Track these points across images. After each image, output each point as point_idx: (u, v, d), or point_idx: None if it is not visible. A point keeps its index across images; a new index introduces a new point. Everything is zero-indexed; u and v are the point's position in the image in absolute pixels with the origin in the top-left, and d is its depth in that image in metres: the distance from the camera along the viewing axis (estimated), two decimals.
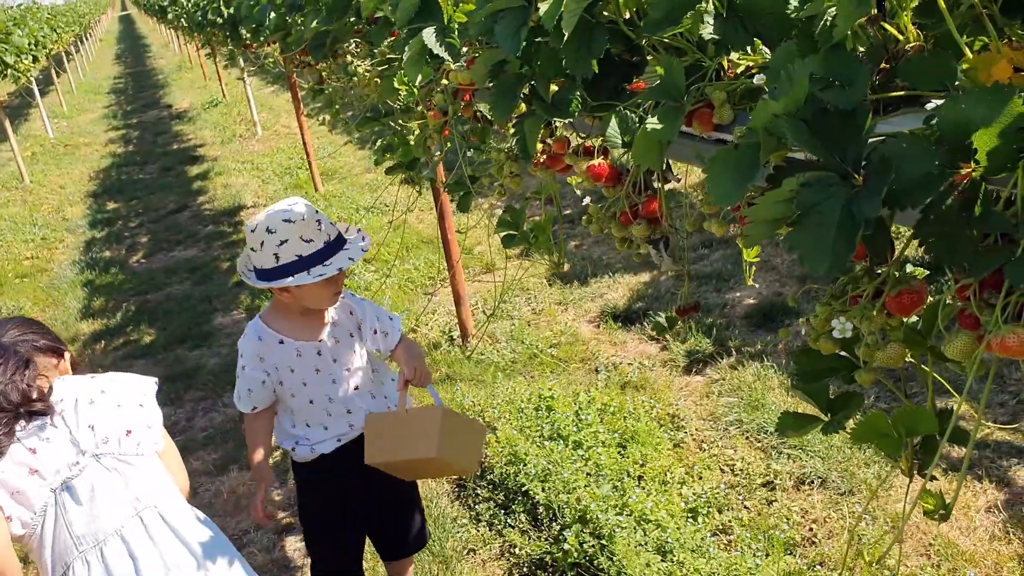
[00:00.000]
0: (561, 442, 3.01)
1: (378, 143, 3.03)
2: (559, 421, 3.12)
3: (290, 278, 1.91)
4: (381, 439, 1.95)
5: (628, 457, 2.91)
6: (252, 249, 1.99)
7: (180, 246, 6.57)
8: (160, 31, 30.16)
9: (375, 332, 2.13)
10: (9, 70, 8.54)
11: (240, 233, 6.61)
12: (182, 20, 11.12)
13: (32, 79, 11.18)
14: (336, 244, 1.98)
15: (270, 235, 1.94)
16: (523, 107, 1.72)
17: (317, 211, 1.99)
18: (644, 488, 2.76)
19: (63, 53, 18.66)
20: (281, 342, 2.06)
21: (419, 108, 2.57)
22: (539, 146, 1.76)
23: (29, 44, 10.13)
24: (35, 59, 10.68)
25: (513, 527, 2.73)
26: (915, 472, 1.15)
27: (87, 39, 28.12)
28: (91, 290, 5.81)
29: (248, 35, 5.52)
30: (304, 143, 7.19)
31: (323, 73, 4.30)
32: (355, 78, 2.88)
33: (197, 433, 3.71)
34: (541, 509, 2.73)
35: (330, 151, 8.65)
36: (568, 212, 5.59)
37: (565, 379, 3.62)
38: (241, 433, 3.62)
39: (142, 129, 12.46)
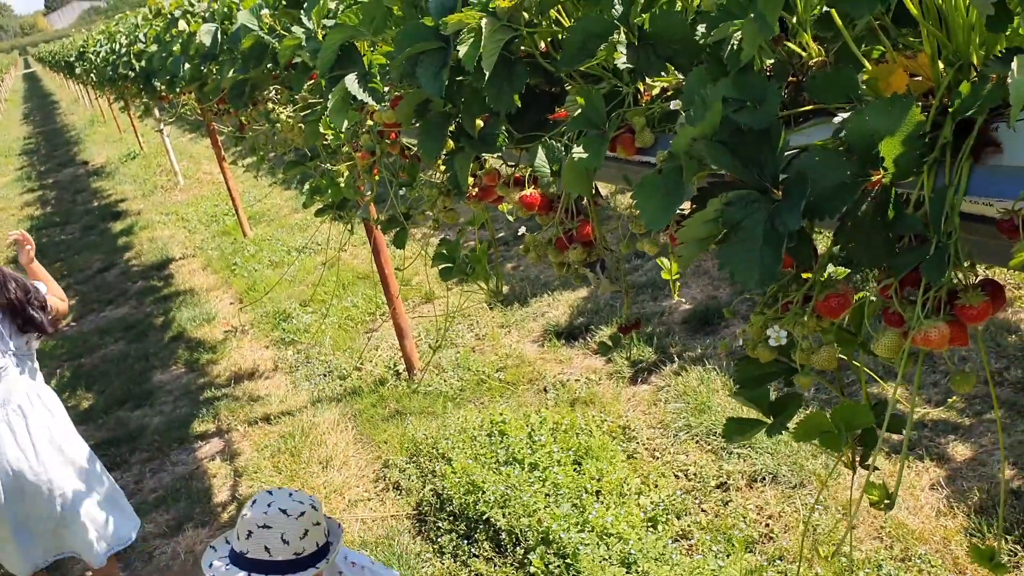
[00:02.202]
0: (517, 466, 3.03)
1: (306, 186, 3.03)
2: (513, 445, 3.14)
3: None
4: None
5: (584, 473, 2.94)
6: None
7: (111, 305, 6.43)
8: (68, 87, 29.51)
9: None
10: None
11: (171, 286, 6.50)
12: (91, 75, 10.92)
13: None
14: (259, 567, 1.72)
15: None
16: (451, 144, 1.75)
17: (267, 528, 1.73)
18: (603, 502, 2.79)
19: None
20: None
21: (346, 150, 2.58)
22: (470, 180, 1.79)
23: None
24: None
25: (477, 556, 2.74)
26: (858, 464, 1.21)
27: None
28: None
29: (162, 87, 5.46)
30: (229, 189, 7.11)
31: (243, 119, 4.28)
32: (277, 124, 2.88)
33: (147, 495, 3.63)
34: (504, 535, 2.74)
35: (256, 195, 8.57)
36: (503, 235, 5.63)
37: (515, 402, 3.65)
38: (193, 490, 3.57)
39: (59, 188, 12.17)
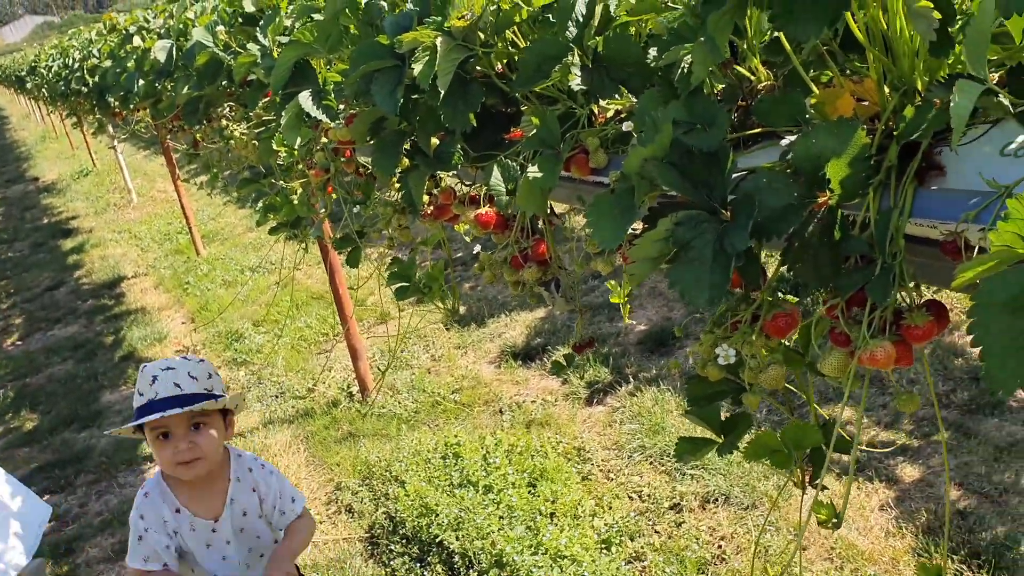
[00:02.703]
0: (471, 488, 3.01)
1: (260, 204, 3.01)
2: (467, 467, 3.12)
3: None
4: None
5: (539, 495, 2.93)
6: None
7: (59, 324, 6.29)
8: (19, 102, 28.98)
9: (275, 509, 1.98)
10: None
11: (122, 304, 6.39)
12: (43, 90, 10.74)
13: None
14: (174, 401, 1.80)
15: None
16: (406, 161, 1.75)
17: (170, 370, 1.84)
18: (557, 524, 2.78)
19: None
20: (177, 510, 1.90)
21: (300, 167, 2.57)
22: (425, 198, 1.79)
23: None
24: None
25: None
26: (808, 484, 1.22)
27: None
28: None
29: (116, 103, 5.39)
30: (182, 207, 7.03)
31: (198, 136, 4.24)
32: (231, 141, 2.85)
33: (92, 519, 3.54)
34: (457, 558, 2.72)
35: (210, 213, 8.47)
36: (460, 255, 5.63)
37: (471, 424, 3.63)
38: None
39: (7, 205, 11.93)
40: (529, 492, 2.97)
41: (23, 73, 14.32)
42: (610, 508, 2.87)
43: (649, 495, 2.91)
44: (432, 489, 3.05)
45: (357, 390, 4.07)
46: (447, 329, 4.66)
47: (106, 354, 5.42)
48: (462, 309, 4.87)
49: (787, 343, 1.13)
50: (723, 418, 1.24)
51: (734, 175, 1.00)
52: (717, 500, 2.82)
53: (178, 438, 1.81)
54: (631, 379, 3.65)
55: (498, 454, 3.19)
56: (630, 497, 2.93)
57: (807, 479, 1.22)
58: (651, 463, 3.09)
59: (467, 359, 4.29)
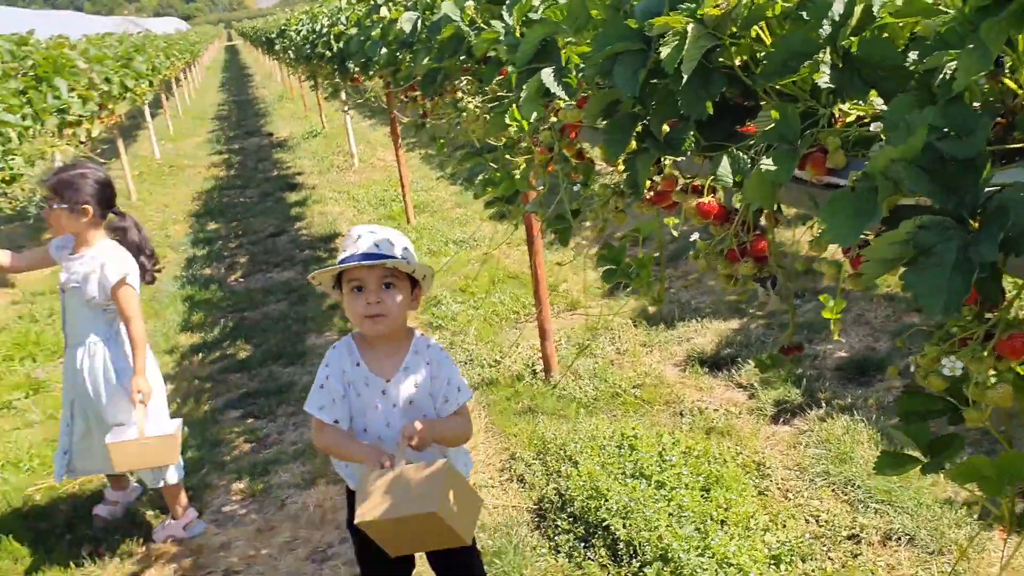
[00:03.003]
0: (644, 481, 3.03)
1: (479, 178, 3.14)
2: (642, 460, 3.13)
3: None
4: (374, 496, 1.82)
5: (711, 501, 2.91)
6: None
7: (277, 268, 6.80)
8: (264, 62, 31.39)
9: (441, 392, 2.11)
10: (128, 93, 9.02)
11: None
12: (289, 52, 11.59)
13: (145, 103, 11.78)
14: (372, 257, 2.00)
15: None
16: (633, 144, 1.79)
17: (373, 232, 2.08)
18: (727, 532, 2.75)
19: (173, 79, 19.59)
20: (357, 364, 2.08)
21: (523, 145, 2.66)
22: (647, 183, 1.82)
23: (147, 70, 10.69)
24: (150, 84, 11.25)
25: (592, 560, 2.75)
26: (1015, 524, 1.16)
27: (195, 67, 29.43)
28: (191, 305, 6.06)
29: (356, 69, 5.75)
30: (400, 176, 7.40)
31: (425, 109, 4.45)
32: (463, 114, 2.99)
33: (287, 447, 3.83)
34: (621, 545, 2.74)
35: (424, 186, 8.87)
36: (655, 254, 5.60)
37: (649, 420, 3.64)
38: None
39: (243, 155, 12.97)
40: (702, 496, 2.95)
41: (273, 35, 15.49)
42: (784, 526, 2.80)
43: (827, 521, 2.81)
44: (604, 475, 3.09)
45: (541, 369, 4.17)
46: (635, 325, 4.68)
47: (315, 301, 5.81)
48: (651, 309, 4.86)
49: (1018, 369, 1.08)
50: (932, 438, 1.20)
51: (986, 188, 0.97)
52: (900, 539, 2.69)
53: (369, 292, 2.02)
54: (823, 404, 3.53)
55: (674, 453, 3.18)
56: (806, 520, 2.85)
57: (1014, 519, 1.16)
58: (833, 490, 2.98)
59: (652, 357, 4.29)
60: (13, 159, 3.54)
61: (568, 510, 3.00)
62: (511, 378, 4.19)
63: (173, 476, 3.17)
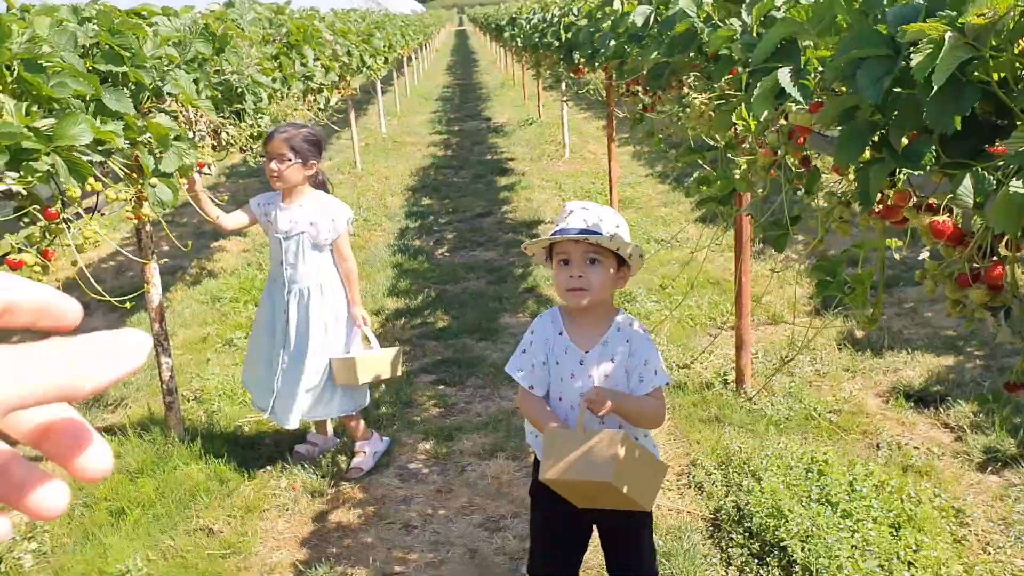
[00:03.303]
0: (828, 507, 2.90)
1: (694, 176, 3.10)
2: (830, 487, 3.00)
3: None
4: (557, 457, 1.92)
5: (901, 539, 2.74)
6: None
7: (481, 247, 7.02)
8: (490, 49, 32.33)
9: (636, 371, 2.12)
10: (365, 68, 9.56)
11: None
12: (517, 40, 11.88)
13: (378, 78, 12.44)
14: (579, 232, 2.06)
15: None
16: (867, 154, 1.71)
17: (585, 209, 2.13)
18: (913, 575, 2.59)
19: (405, 58, 20.55)
20: (560, 333, 2.16)
21: (745, 145, 2.60)
22: (877, 195, 1.74)
23: (384, 47, 11.29)
24: (386, 60, 11.87)
25: None
26: None
27: (426, 48, 30.75)
28: (399, 272, 6.38)
29: (581, 60, 5.82)
30: (609, 169, 7.42)
31: (645, 104, 4.43)
32: (687, 110, 2.96)
33: (472, 417, 3.97)
34: (798, 568, 2.65)
35: (631, 181, 8.85)
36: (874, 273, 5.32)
37: (841, 448, 3.48)
38: (514, 423, 3.84)
39: (461, 136, 13.44)
40: (890, 532, 2.79)
41: (503, 23, 15.92)
42: None
43: None
44: (788, 495, 2.99)
45: (733, 379, 4.07)
46: (839, 349, 4.47)
47: (513, 283, 5.96)
48: (859, 333, 4.63)
49: None
50: None
51: None
52: None
53: (574, 266, 2.07)
54: None
55: (866, 484, 3.02)
56: None
57: None
58: None
59: (853, 384, 4.08)
60: (262, 118, 3.85)
61: (745, 524, 2.92)
62: (700, 384, 4.13)
63: (355, 405, 3.50)
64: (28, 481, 0.42)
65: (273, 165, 3.26)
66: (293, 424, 3.43)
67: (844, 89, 1.76)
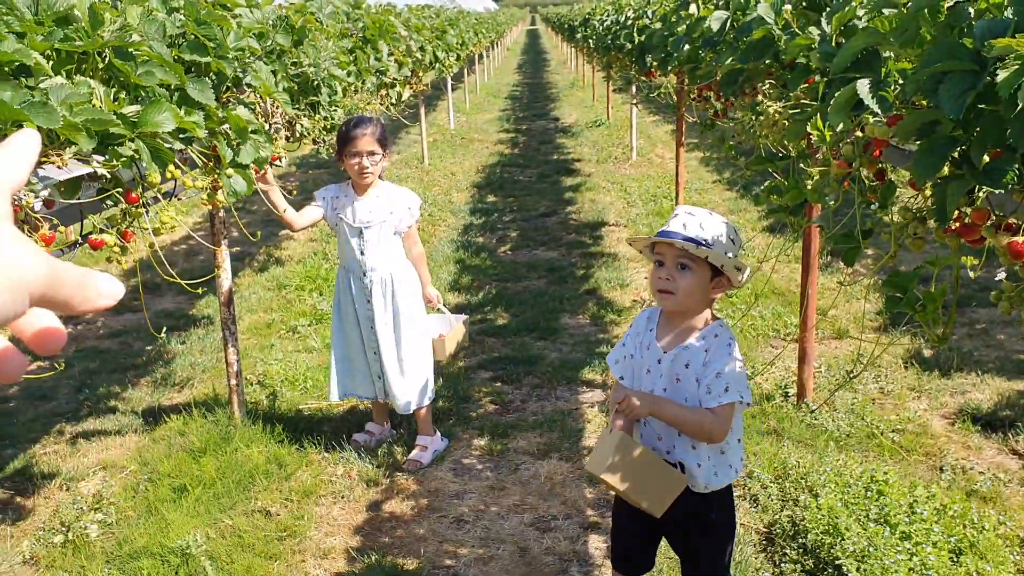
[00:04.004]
0: (887, 528, 2.84)
1: (764, 184, 3.06)
2: (889, 507, 2.94)
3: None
4: (613, 458, 2.05)
5: (961, 566, 2.68)
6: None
7: (543, 247, 7.03)
8: (561, 49, 32.29)
9: (705, 379, 2.09)
10: (437, 64, 9.64)
11: (598, 246, 6.94)
12: (589, 41, 11.86)
13: (449, 75, 12.54)
14: (674, 235, 2.10)
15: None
16: (945, 170, 1.68)
17: (691, 215, 2.14)
18: None
19: (476, 56, 20.65)
20: (651, 329, 2.21)
21: (818, 156, 2.56)
22: (954, 212, 1.70)
23: (456, 44, 11.37)
24: (457, 58, 11.95)
25: None
26: None
27: (497, 46, 30.85)
28: (461, 268, 6.43)
29: (654, 64, 5.78)
30: (677, 173, 7.36)
31: (716, 110, 4.40)
32: (760, 118, 2.92)
33: (528, 415, 3.98)
34: None
35: (698, 187, 8.77)
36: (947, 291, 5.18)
37: (903, 468, 3.40)
38: (567, 427, 3.84)
39: (529, 136, 13.46)
40: (950, 558, 2.72)
41: (576, 23, 15.90)
42: None
43: None
44: (845, 512, 2.94)
45: (794, 393, 4.01)
46: (905, 367, 4.37)
47: (574, 284, 5.95)
48: (927, 352, 4.52)
49: None
50: None
51: None
52: None
53: (664, 268, 2.10)
54: None
55: (927, 507, 2.95)
56: None
57: None
58: None
59: (919, 404, 3.99)
60: (336, 111, 3.91)
61: (800, 540, 2.88)
62: (760, 396, 4.07)
63: (426, 399, 3.61)
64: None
65: (366, 162, 3.34)
66: (408, 409, 3.57)
67: (924, 103, 1.73)
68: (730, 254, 2.10)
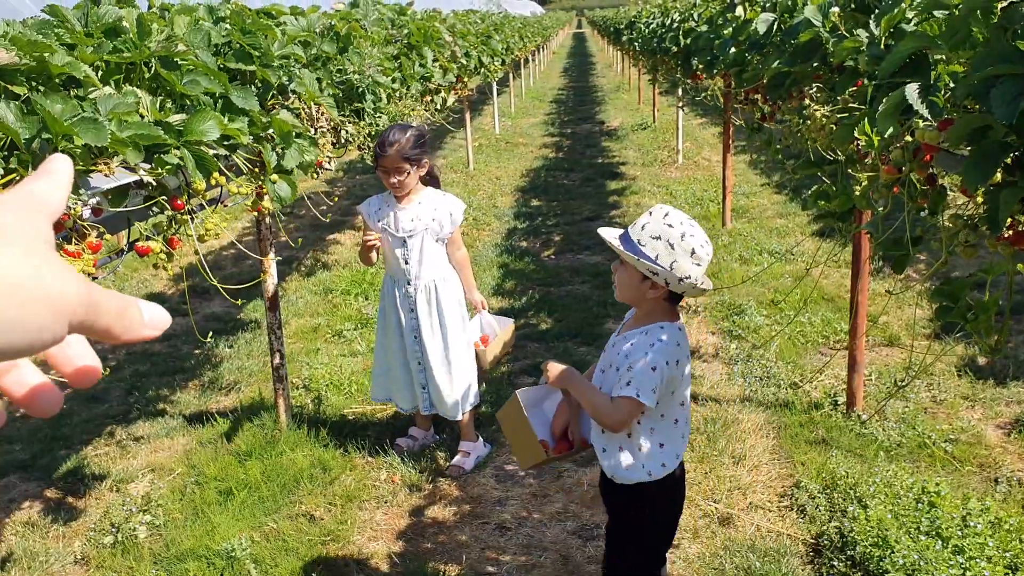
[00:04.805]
0: (939, 542, 2.77)
1: (812, 189, 3.01)
2: (941, 520, 2.87)
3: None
4: (506, 411, 2.36)
5: None
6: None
7: (587, 251, 7.00)
8: (607, 52, 32.18)
9: (618, 374, 2.20)
10: (482, 69, 9.67)
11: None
12: (635, 44, 11.80)
13: (495, 80, 12.56)
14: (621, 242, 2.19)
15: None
16: (998, 177, 1.64)
17: (649, 215, 2.18)
18: None
19: (522, 60, 20.67)
20: (626, 319, 2.30)
21: (867, 161, 2.51)
22: (1007, 220, 1.65)
23: (502, 49, 11.38)
24: (503, 62, 11.97)
25: None
26: None
27: (543, 50, 30.85)
28: (505, 272, 6.42)
29: (700, 66, 5.73)
30: (724, 177, 7.29)
31: (763, 113, 4.34)
32: (807, 121, 2.87)
33: None
34: None
35: (746, 191, 8.67)
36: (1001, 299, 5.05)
37: (956, 479, 3.32)
38: None
39: (574, 139, 13.42)
40: (1006, 574, 2.64)
41: (622, 26, 15.83)
42: None
43: None
44: (895, 524, 2.87)
45: (843, 401, 3.93)
46: (959, 375, 4.27)
47: None
48: (982, 360, 4.40)
49: None
50: None
51: None
52: None
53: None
54: None
55: (981, 520, 2.87)
56: None
57: None
58: None
59: (973, 413, 3.89)
60: (380, 117, 3.93)
61: (848, 552, 2.82)
62: (808, 404, 4.01)
63: (469, 404, 3.62)
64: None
65: (393, 180, 3.35)
66: (456, 413, 3.59)
67: (976, 107, 1.68)
68: (663, 263, 2.06)
